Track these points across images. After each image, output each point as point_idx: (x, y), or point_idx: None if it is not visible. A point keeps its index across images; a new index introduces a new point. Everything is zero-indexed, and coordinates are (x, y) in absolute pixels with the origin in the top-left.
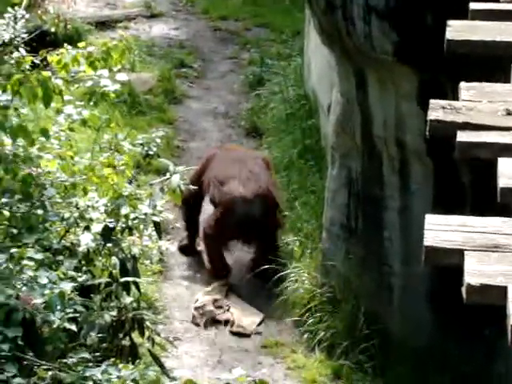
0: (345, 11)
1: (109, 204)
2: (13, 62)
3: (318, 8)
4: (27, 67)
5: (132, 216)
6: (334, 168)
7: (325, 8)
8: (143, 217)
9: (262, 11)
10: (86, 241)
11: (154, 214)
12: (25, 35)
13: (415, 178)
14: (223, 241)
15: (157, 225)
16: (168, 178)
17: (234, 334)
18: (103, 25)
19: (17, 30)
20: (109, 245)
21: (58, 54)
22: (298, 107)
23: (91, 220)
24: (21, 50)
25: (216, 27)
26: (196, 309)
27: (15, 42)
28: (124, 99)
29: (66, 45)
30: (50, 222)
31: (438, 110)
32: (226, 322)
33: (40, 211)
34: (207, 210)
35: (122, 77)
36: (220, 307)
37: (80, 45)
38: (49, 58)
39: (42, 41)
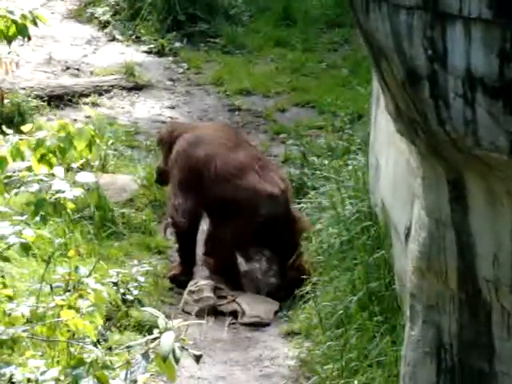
0: (434, 84)
1: (62, 377)
2: None
3: (392, 79)
4: None
5: None
6: (414, 327)
7: (404, 79)
8: None
9: (305, 82)
10: None
11: None
12: None
13: None
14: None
15: None
16: (156, 338)
17: (247, 325)
18: (60, 100)
19: None
20: None
21: None
22: (359, 231)
23: None
24: None
25: (233, 106)
26: (189, 293)
27: None
28: (89, 213)
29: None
30: None
31: None
32: (232, 314)
33: None
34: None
35: (87, 178)
36: (223, 297)
37: (24, 128)
38: None
39: None
